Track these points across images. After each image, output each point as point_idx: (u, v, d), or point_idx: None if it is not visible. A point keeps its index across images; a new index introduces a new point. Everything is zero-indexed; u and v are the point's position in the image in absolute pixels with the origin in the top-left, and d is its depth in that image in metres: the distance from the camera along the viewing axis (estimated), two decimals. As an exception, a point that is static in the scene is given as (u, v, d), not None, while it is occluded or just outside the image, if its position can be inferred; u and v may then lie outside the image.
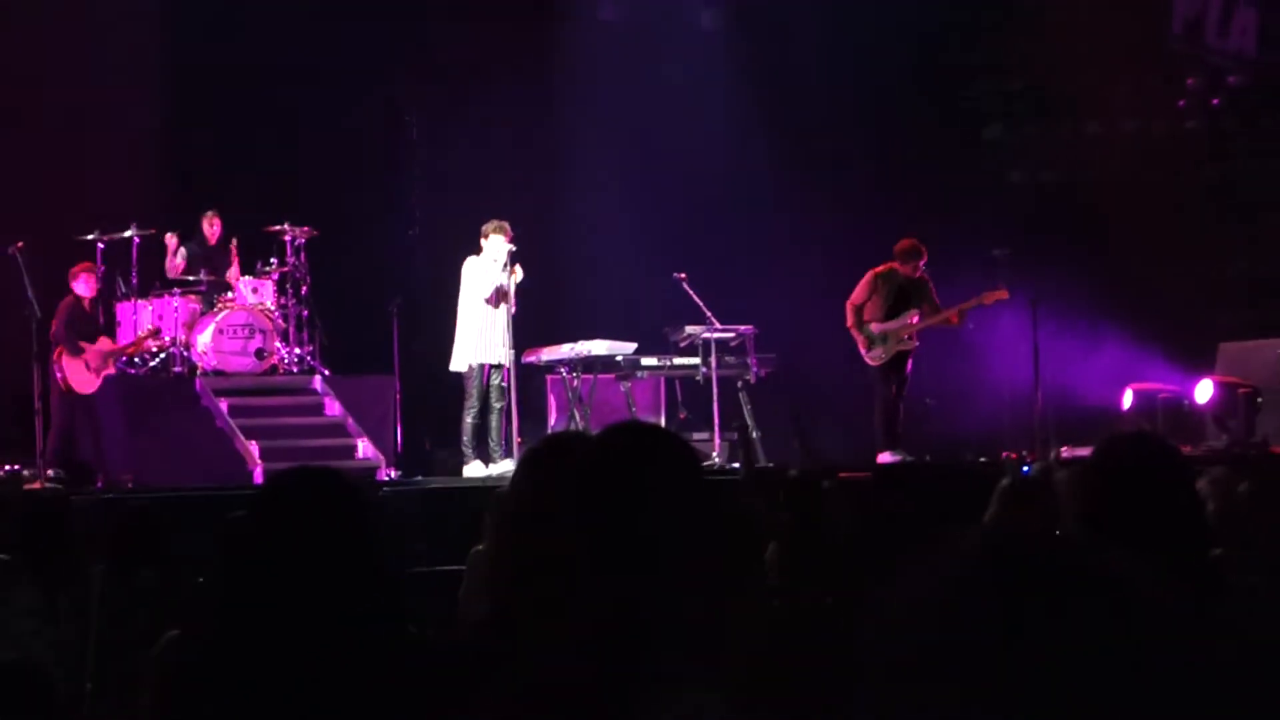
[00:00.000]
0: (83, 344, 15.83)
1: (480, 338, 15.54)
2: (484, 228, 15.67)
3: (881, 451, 16.07)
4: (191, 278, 17.17)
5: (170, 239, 17.24)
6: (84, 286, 16.03)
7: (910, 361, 16.55)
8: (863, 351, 16.44)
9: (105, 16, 18.87)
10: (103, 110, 18.90)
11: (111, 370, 16.07)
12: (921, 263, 16.42)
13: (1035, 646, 1.58)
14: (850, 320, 16.46)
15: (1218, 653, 1.73)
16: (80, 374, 15.87)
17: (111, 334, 16.71)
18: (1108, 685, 1.58)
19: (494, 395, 15.63)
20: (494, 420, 15.63)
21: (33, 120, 18.41)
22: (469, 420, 15.59)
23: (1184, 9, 24.84)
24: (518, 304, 15.58)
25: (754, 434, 15.80)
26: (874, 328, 16.38)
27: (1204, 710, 1.64)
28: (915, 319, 16.39)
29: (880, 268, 16.47)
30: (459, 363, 15.65)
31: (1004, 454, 15.07)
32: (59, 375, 15.92)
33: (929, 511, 5.72)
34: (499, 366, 15.62)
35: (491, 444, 15.48)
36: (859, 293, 16.49)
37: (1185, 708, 1.61)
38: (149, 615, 8.06)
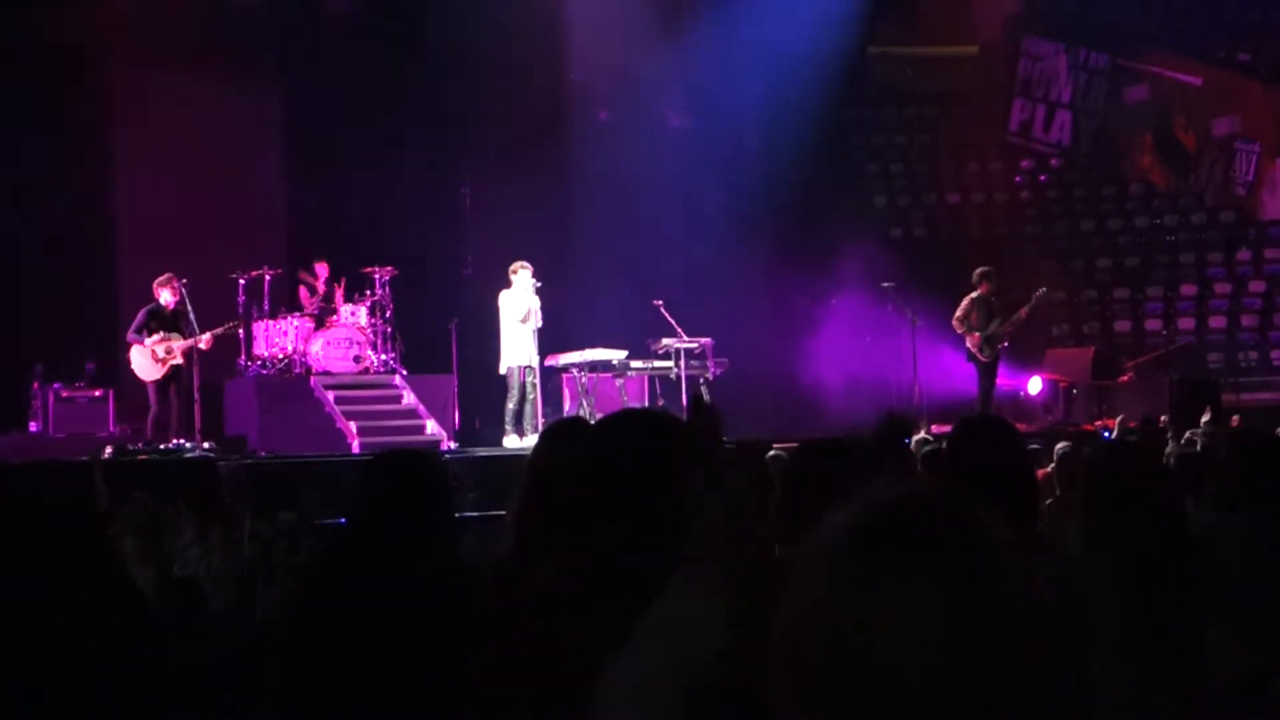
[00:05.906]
0: (148, 338, 14.71)
1: (518, 348, 15.59)
2: (512, 266, 15.73)
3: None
4: (306, 305, 17.27)
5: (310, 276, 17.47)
6: (168, 294, 14.91)
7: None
8: (975, 350, 16.24)
9: (243, 130, 19.02)
10: (244, 186, 18.98)
11: (181, 361, 14.77)
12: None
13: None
14: (962, 329, 16.29)
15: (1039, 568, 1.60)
16: (145, 363, 14.80)
17: (249, 345, 16.68)
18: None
19: (528, 388, 15.67)
20: (527, 406, 15.66)
21: (198, 195, 18.39)
22: (510, 406, 15.61)
23: (1019, 113, 24.95)
24: (542, 322, 15.70)
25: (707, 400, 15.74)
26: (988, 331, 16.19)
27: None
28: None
29: (974, 293, 16.34)
30: (504, 366, 15.69)
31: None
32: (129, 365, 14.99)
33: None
34: (531, 367, 15.69)
35: (525, 423, 15.51)
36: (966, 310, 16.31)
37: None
38: (287, 544, 8.08)
